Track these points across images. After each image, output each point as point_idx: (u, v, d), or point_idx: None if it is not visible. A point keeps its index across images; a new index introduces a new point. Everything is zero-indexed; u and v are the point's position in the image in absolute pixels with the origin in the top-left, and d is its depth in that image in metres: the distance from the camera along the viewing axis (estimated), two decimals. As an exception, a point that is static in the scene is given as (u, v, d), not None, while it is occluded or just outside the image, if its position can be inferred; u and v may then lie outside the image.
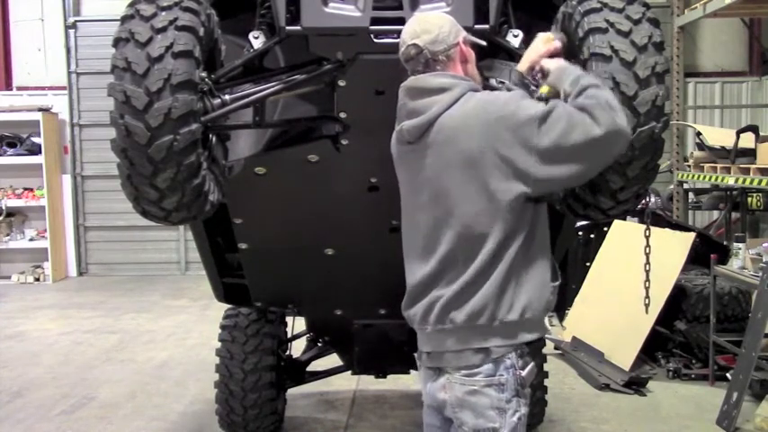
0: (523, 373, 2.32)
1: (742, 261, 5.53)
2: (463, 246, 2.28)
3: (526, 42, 2.78)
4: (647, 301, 4.71)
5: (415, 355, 2.50)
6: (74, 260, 11.21)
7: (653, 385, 5.55)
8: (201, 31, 2.50)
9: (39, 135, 10.59)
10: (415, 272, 2.41)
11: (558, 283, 2.41)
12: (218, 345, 4.30)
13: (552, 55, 2.42)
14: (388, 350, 4.14)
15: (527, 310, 2.29)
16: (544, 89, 2.32)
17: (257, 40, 2.77)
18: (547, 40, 2.45)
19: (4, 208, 10.67)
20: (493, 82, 2.74)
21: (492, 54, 2.84)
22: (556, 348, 6.45)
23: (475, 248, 2.26)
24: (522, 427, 2.32)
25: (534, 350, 4.32)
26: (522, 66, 2.44)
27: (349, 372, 4.68)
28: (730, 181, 7.56)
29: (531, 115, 2.18)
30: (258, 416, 4.26)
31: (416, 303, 2.40)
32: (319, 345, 4.71)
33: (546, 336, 5.42)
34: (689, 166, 8.87)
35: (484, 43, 2.50)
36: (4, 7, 11.22)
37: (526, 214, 2.28)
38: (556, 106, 2.18)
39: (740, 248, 5.59)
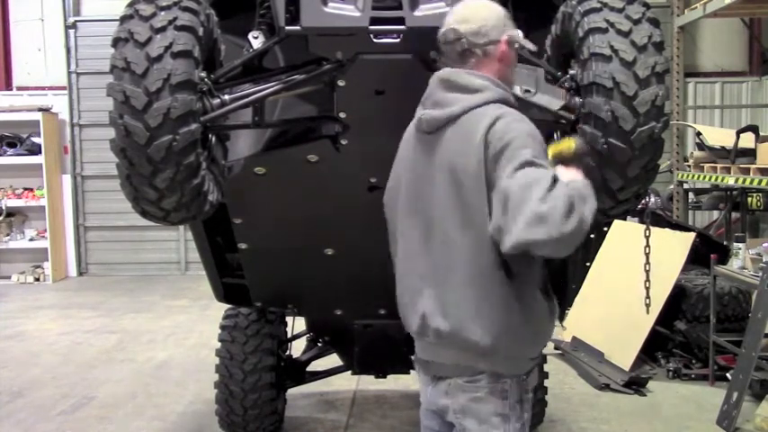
0: (527, 378, 2.30)
1: (742, 261, 5.53)
2: (444, 261, 2.21)
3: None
4: (647, 301, 4.70)
5: (412, 357, 2.47)
6: (74, 260, 11.21)
7: (653, 385, 5.55)
8: (201, 31, 2.50)
9: (39, 135, 10.59)
10: (404, 276, 2.36)
11: (554, 314, 2.33)
12: (218, 345, 4.30)
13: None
14: (388, 350, 4.14)
15: (529, 350, 2.27)
16: None
17: (257, 40, 2.78)
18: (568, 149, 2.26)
19: (4, 208, 10.66)
20: (517, 90, 2.65)
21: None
22: (556, 348, 6.45)
23: (456, 267, 2.18)
24: (525, 431, 2.31)
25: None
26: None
27: (349, 372, 4.68)
28: (730, 181, 7.56)
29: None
30: (258, 416, 4.25)
31: (409, 312, 2.34)
32: (319, 345, 4.71)
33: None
34: (689, 166, 8.86)
35: (532, 47, 2.41)
36: (4, 7, 11.22)
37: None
38: (557, 187, 2.00)
39: (740, 248, 5.59)
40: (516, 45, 2.33)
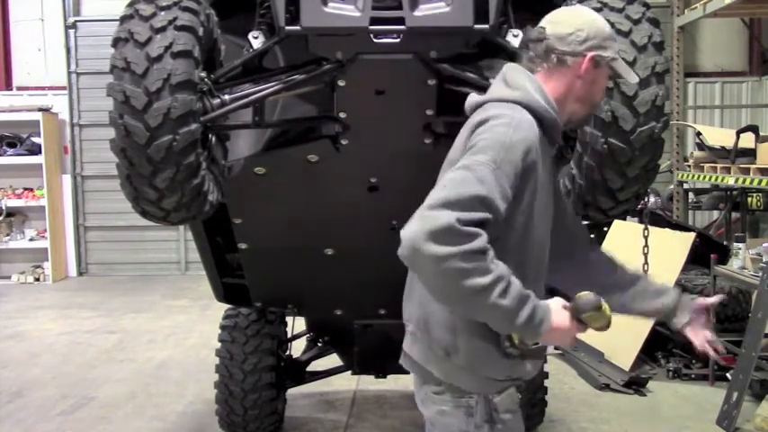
0: (496, 398, 2.10)
1: (742, 261, 5.53)
2: None
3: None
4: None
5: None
6: (74, 260, 11.21)
7: (653, 385, 5.55)
8: (201, 31, 2.51)
9: (39, 135, 10.58)
10: None
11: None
12: (218, 345, 4.30)
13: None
14: (388, 350, 4.13)
15: (491, 370, 2.09)
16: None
17: (257, 40, 2.78)
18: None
19: (4, 208, 10.66)
20: None
21: (492, 54, 2.85)
22: (556, 348, 6.45)
23: None
24: None
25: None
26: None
27: (349, 372, 4.68)
28: (730, 181, 7.56)
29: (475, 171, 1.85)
30: (258, 416, 4.25)
31: (406, 298, 2.28)
32: (319, 345, 4.71)
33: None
34: (689, 166, 8.85)
35: (635, 79, 2.20)
36: (4, 7, 11.22)
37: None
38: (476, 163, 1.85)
39: (740, 248, 5.59)
40: (605, 65, 2.08)
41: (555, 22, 2.07)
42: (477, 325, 2.00)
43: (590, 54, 2.03)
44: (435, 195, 1.82)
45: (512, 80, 2.06)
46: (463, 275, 1.76)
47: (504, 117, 1.96)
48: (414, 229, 1.78)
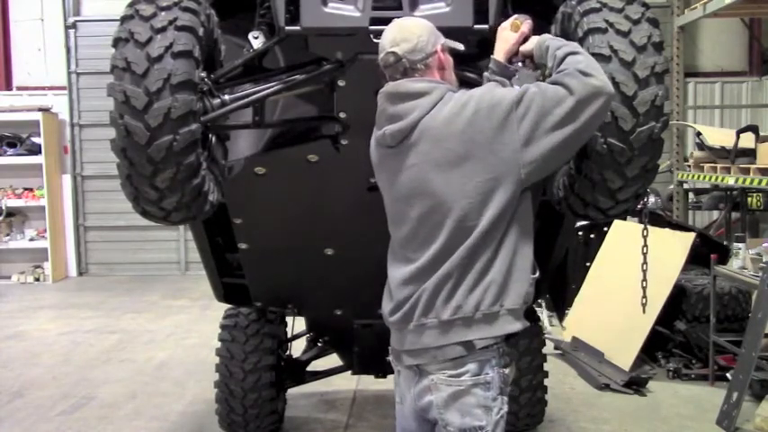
0: (506, 371, 2.37)
1: (742, 261, 5.54)
2: (453, 241, 2.30)
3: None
4: (644, 300, 4.70)
5: (389, 358, 2.50)
6: (74, 260, 11.21)
7: (653, 385, 5.55)
8: (201, 31, 2.51)
9: (39, 135, 10.59)
10: (400, 271, 2.42)
11: (536, 276, 2.41)
12: (218, 344, 4.30)
13: (526, 37, 2.46)
14: (388, 350, 4.14)
15: (509, 301, 2.31)
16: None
17: (257, 40, 2.78)
18: (514, 26, 2.47)
19: (4, 208, 10.66)
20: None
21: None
22: (556, 348, 6.45)
23: (462, 241, 2.29)
24: (503, 423, 2.37)
25: (527, 348, 4.30)
26: (499, 56, 2.48)
27: (349, 372, 4.68)
28: (730, 181, 7.56)
29: (508, 103, 2.22)
30: (258, 415, 4.26)
31: (401, 302, 2.40)
32: (319, 345, 4.71)
33: (546, 336, 5.42)
34: (689, 166, 8.87)
35: (461, 47, 2.48)
36: (4, 7, 11.22)
37: (514, 206, 2.29)
38: (528, 88, 2.23)
39: (740, 248, 5.59)
40: (449, 49, 2.43)
41: (399, 42, 2.35)
42: (514, 264, 2.32)
43: (437, 47, 2.39)
44: (558, 91, 2.19)
45: (418, 89, 2.33)
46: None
47: (463, 92, 2.32)
48: (579, 92, 2.18)
